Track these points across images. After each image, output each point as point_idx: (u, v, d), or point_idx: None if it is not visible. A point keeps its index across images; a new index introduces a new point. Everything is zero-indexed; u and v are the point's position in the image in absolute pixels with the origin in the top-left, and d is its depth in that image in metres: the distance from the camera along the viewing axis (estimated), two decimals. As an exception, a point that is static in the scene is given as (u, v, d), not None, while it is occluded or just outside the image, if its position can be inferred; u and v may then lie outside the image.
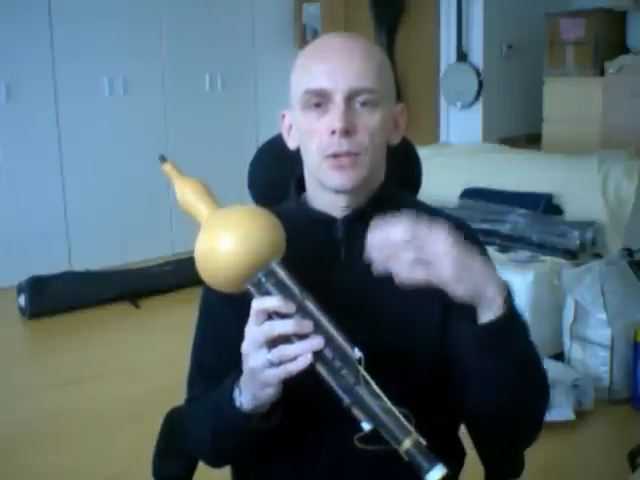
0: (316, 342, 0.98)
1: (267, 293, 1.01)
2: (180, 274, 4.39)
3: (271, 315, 1.00)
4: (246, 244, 1.00)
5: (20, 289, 4.09)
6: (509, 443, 1.20)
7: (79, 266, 4.58)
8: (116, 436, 2.81)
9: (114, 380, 3.32)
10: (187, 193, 1.11)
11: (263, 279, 1.01)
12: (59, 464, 2.64)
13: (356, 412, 0.98)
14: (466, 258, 1.01)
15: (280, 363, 0.98)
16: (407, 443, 0.95)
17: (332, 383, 0.99)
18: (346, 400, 0.98)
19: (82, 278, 4.33)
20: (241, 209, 1.07)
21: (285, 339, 0.99)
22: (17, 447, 2.76)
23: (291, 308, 0.99)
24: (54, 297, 4.11)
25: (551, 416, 2.64)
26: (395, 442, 0.96)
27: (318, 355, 0.98)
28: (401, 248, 0.99)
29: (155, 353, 3.62)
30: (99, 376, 3.36)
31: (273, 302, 0.99)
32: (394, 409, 0.97)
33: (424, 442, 0.96)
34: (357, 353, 0.99)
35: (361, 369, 0.98)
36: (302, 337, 0.98)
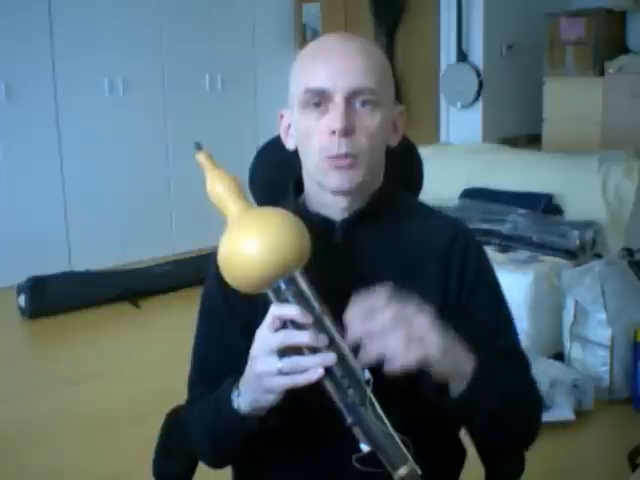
0: (329, 357, 0.97)
1: (285, 301, 1.00)
2: (180, 274, 4.39)
3: (285, 323, 0.99)
4: (272, 248, 0.99)
5: (20, 289, 4.09)
6: (504, 445, 1.22)
7: (79, 266, 4.58)
8: (116, 436, 2.81)
9: (114, 380, 3.32)
10: (218, 187, 1.08)
11: (283, 286, 1.01)
12: (58, 464, 2.64)
13: (357, 432, 0.98)
14: (446, 333, 1.01)
15: (289, 373, 0.98)
16: (402, 470, 0.96)
17: (337, 400, 0.99)
18: (349, 419, 0.98)
19: (82, 278, 4.33)
20: (272, 212, 1.06)
21: (296, 349, 0.98)
22: (17, 447, 2.76)
23: (308, 319, 0.98)
24: (54, 297, 4.11)
25: (551, 416, 2.65)
26: (391, 467, 0.97)
27: (328, 371, 0.98)
28: (390, 327, 0.96)
29: (155, 353, 3.62)
30: (99, 376, 3.36)
31: (292, 311, 0.99)
32: (395, 435, 0.97)
33: (419, 472, 0.96)
34: (367, 375, 0.98)
35: (368, 391, 0.98)
36: (314, 350, 0.98)
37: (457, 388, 1.04)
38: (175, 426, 1.35)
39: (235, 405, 1.06)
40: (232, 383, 1.07)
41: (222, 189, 1.08)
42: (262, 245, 0.99)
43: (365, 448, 0.98)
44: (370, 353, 0.96)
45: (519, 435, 1.18)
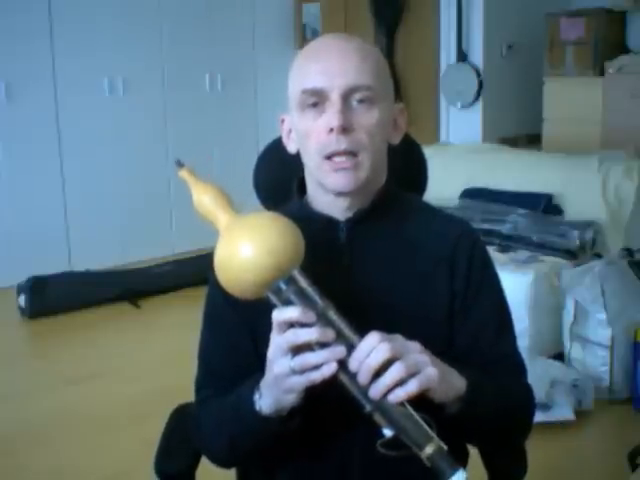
0: (338, 351, 0.98)
1: (287, 301, 1.00)
2: (180, 274, 4.39)
3: (293, 324, 1.00)
4: (266, 250, 0.99)
5: (20, 289, 4.09)
6: (494, 444, 1.24)
7: (79, 266, 4.58)
8: (116, 436, 2.81)
9: (114, 380, 3.32)
10: (205, 199, 1.09)
11: (284, 287, 1.01)
12: (58, 464, 2.63)
13: (378, 418, 0.98)
14: (437, 360, 1.02)
15: (303, 371, 0.98)
16: (429, 449, 0.95)
17: (354, 390, 0.99)
18: (368, 407, 0.98)
19: (82, 278, 4.33)
20: (261, 216, 1.06)
21: (309, 347, 0.99)
22: (17, 447, 2.76)
23: (311, 318, 0.98)
24: (54, 297, 4.11)
25: (551, 416, 2.64)
26: (417, 448, 0.96)
27: (341, 363, 0.98)
28: (386, 368, 0.97)
29: (155, 353, 3.62)
30: (99, 376, 3.36)
31: (293, 313, 0.99)
32: (415, 415, 0.97)
33: (445, 447, 0.96)
34: None
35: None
36: (325, 345, 0.98)
37: (453, 407, 1.05)
38: (180, 425, 1.35)
39: (257, 407, 1.06)
40: (253, 385, 1.07)
41: (209, 200, 1.09)
42: (255, 249, 1.00)
43: (388, 433, 0.97)
44: (376, 392, 0.97)
45: (510, 435, 1.20)
